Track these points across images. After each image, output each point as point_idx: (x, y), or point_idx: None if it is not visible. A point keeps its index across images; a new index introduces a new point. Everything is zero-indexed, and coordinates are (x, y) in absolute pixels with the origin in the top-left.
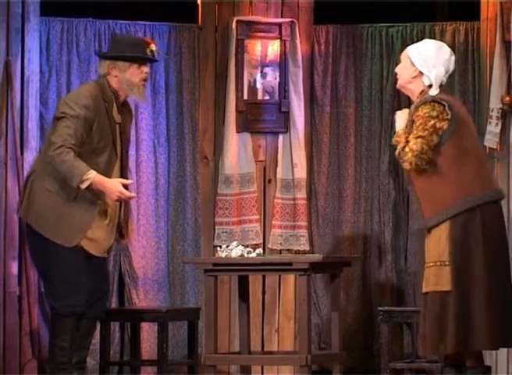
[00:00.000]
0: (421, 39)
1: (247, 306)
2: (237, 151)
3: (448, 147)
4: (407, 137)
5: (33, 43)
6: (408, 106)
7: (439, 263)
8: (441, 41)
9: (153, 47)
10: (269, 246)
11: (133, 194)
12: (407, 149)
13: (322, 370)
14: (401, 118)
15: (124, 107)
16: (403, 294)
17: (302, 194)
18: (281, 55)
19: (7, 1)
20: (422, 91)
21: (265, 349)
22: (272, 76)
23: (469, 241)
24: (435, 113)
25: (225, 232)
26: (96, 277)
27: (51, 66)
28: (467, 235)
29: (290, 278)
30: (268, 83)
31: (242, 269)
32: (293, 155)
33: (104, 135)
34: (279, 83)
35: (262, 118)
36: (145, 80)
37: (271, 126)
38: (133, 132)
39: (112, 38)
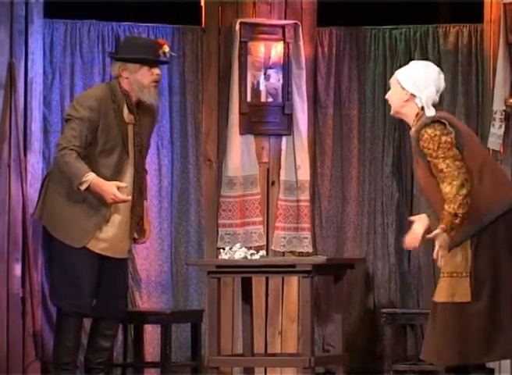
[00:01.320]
0: (425, 41)
1: (250, 308)
2: (241, 153)
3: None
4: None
5: (36, 45)
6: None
7: (455, 274)
8: (444, 43)
9: (166, 48)
10: (272, 248)
11: (127, 198)
12: (448, 187)
13: (326, 372)
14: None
15: (141, 108)
16: (407, 296)
17: (305, 196)
18: (284, 57)
19: (10, 3)
20: (417, 114)
21: (268, 351)
22: (276, 79)
23: (493, 251)
24: (438, 133)
25: (229, 234)
26: (111, 278)
27: (54, 67)
28: (492, 245)
29: (294, 280)
30: (272, 86)
31: (245, 271)
32: (297, 157)
33: (112, 136)
34: (283, 86)
35: (265, 120)
36: (156, 81)
37: (274, 128)
38: None
39: (123, 39)
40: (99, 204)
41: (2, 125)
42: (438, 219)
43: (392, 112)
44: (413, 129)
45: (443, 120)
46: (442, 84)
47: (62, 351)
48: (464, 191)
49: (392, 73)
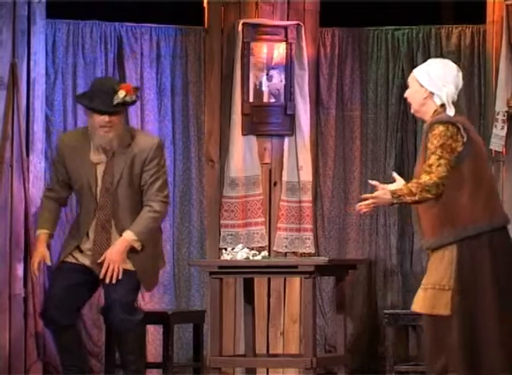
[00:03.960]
0: (427, 42)
1: (252, 309)
2: (243, 154)
3: (461, 169)
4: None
5: (39, 45)
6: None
7: (438, 287)
8: (447, 44)
9: (121, 94)
10: (274, 249)
11: (36, 272)
12: (434, 173)
13: (327, 373)
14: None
15: (119, 148)
16: (409, 297)
17: (307, 196)
18: (287, 57)
19: (13, 3)
20: (435, 111)
21: (270, 352)
22: (278, 79)
23: (476, 267)
24: (449, 133)
25: (231, 234)
26: (108, 290)
27: (56, 68)
28: (475, 260)
29: (296, 281)
30: (274, 86)
31: (247, 272)
32: (299, 158)
33: (78, 177)
34: (285, 86)
35: (268, 121)
36: (105, 126)
37: (276, 128)
38: None
39: (92, 81)
40: (77, 232)
41: (5, 125)
42: (423, 234)
43: (412, 111)
44: (426, 124)
45: (459, 124)
46: (461, 82)
47: (59, 355)
48: (433, 191)
49: (394, 74)
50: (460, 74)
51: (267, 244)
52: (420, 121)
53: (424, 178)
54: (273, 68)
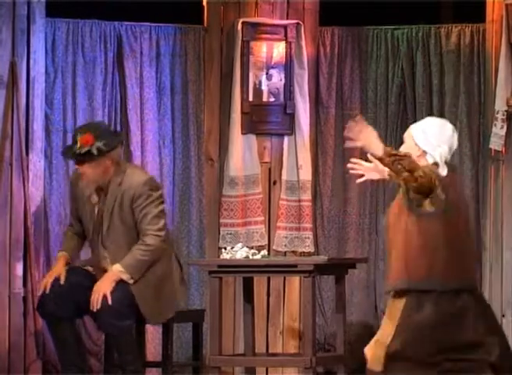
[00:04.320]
0: (427, 41)
1: (251, 308)
2: (242, 153)
3: (434, 223)
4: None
5: (38, 44)
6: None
7: (380, 340)
8: (446, 43)
9: (77, 146)
10: (274, 248)
11: (47, 288)
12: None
13: (327, 372)
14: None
15: (109, 189)
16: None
17: (307, 195)
18: (286, 56)
19: (13, 2)
20: None
21: (270, 351)
22: (278, 78)
23: (420, 324)
24: (434, 176)
25: (230, 233)
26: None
27: (56, 67)
28: (418, 314)
29: (295, 280)
30: (274, 85)
31: (247, 271)
32: (298, 157)
33: (83, 216)
34: (285, 85)
35: (267, 120)
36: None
37: (276, 127)
38: (138, 133)
39: None
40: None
41: (4, 124)
42: (387, 276)
43: None
44: None
45: (440, 181)
46: (456, 143)
47: (57, 352)
48: (426, 183)
49: (394, 73)
50: (456, 135)
51: (266, 243)
52: (420, 120)
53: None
54: (273, 67)
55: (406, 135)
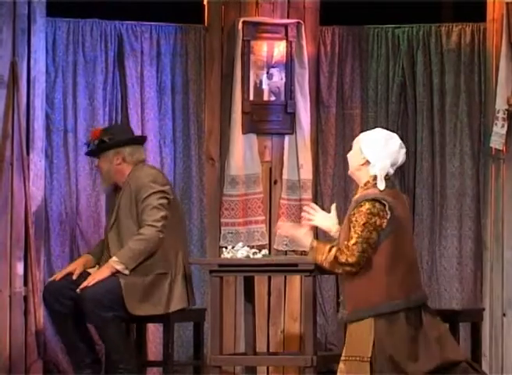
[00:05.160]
0: (428, 40)
1: (252, 307)
2: (243, 152)
3: (383, 246)
4: (331, 247)
5: (39, 44)
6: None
7: (358, 358)
8: (447, 42)
9: (89, 138)
10: (275, 247)
11: (57, 278)
12: (349, 249)
13: (328, 371)
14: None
15: (123, 188)
16: None
17: (308, 195)
18: (287, 56)
19: (13, 2)
20: (367, 182)
21: (271, 350)
22: (278, 77)
23: (394, 341)
24: (376, 211)
25: (231, 233)
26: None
27: (57, 66)
28: (393, 335)
29: (296, 279)
30: (274, 84)
31: (247, 270)
32: (299, 156)
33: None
34: (285, 84)
35: (268, 119)
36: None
37: (277, 127)
38: (139, 132)
39: None
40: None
41: (5, 123)
42: (344, 306)
43: (348, 172)
44: (356, 196)
45: (384, 202)
46: (401, 159)
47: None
48: (346, 268)
49: (394, 72)
50: (403, 151)
51: (267, 242)
52: (420, 119)
53: (340, 255)
54: (273, 66)
55: (354, 142)
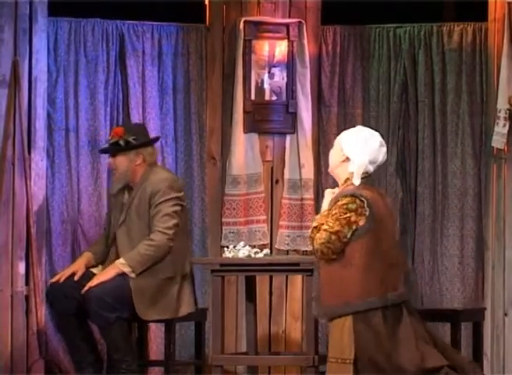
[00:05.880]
0: (429, 40)
1: (253, 307)
2: (244, 152)
3: (361, 243)
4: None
5: (40, 43)
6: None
7: (340, 360)
8: (448, 41)
9: (109, 137)
10: (276, 246)
11: (60, 279)
12: (317, 236)
13: None
14: (329, 197)
15: (136, 189)
16: (409, 294)
17: (309, 194)
18: (288, 55)
19: (15, 2)
20: (347, 179)
21: (272, 350)
22: (280, 77)
23: (373, 339)
24: (354, 207)
25: (233, 232)
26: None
27: (58, 66)
28: (371, 333)
29: (297, 278)
30: (276, 84)
31: (249, 270)
32: (301, 156)
33: (113, 215)
34: (287, 84)
35: (270, 118)
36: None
37: (278, 126)
38: None
39: None
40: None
41: (6, 123)
42: (320, 301)
43: (328, 170)
44: (334, 196)
45: (363, 198)
46: (381, 157)
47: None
48: (320, 249)
49: (396, 72)
50: (384, 150)
51: (269, 241)
52: (422, 119)
53: (311, 233)
54: (275, 66)
55: (336, 141)
